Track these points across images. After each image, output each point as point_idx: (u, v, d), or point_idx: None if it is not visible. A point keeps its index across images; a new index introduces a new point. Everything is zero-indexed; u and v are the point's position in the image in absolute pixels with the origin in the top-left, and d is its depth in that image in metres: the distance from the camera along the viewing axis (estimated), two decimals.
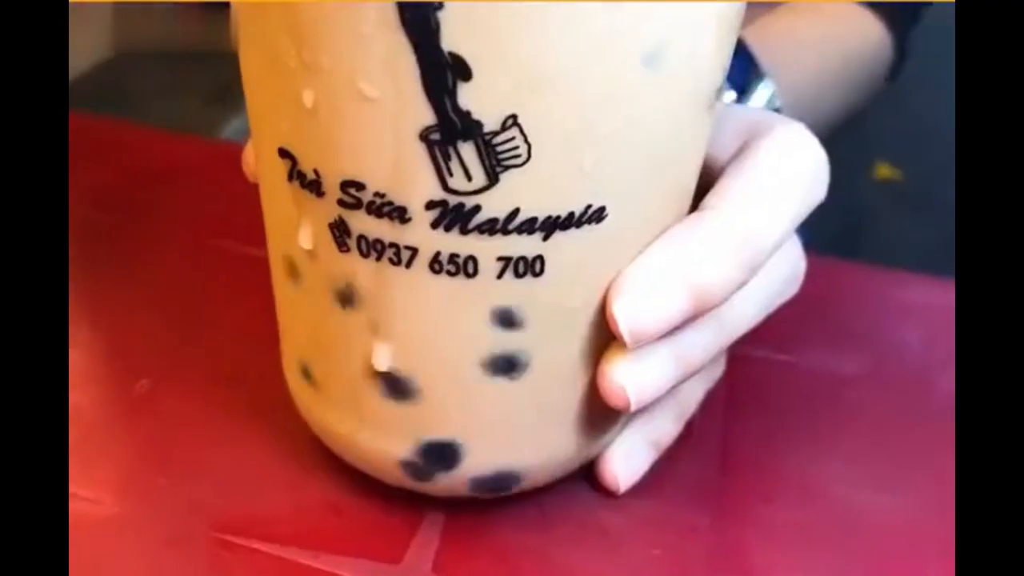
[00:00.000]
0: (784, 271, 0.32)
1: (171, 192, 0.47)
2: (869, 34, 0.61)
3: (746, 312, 0.31)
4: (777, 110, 0.47)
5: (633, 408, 0.28)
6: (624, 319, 0.27)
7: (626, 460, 0.33)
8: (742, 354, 0.38)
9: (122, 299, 0.41)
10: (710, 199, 0.29)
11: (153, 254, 0.43)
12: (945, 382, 0.40)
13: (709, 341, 0.30)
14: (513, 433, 0.29)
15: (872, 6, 0.60)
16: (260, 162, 0.28)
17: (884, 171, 1.71)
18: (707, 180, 0.30)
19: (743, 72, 0.45)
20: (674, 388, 0.30)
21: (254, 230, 0.44)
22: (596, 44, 0.23)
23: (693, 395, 0.35)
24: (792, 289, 0.33)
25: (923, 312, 0.44)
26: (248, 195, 0.46)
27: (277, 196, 0.27)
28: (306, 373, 0.30)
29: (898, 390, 0.39)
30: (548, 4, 0.23)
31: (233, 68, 0.28)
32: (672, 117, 0.26)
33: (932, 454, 0.36)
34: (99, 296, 0.41)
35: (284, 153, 0.26)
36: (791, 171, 0.30)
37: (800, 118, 0.35)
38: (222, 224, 0.44)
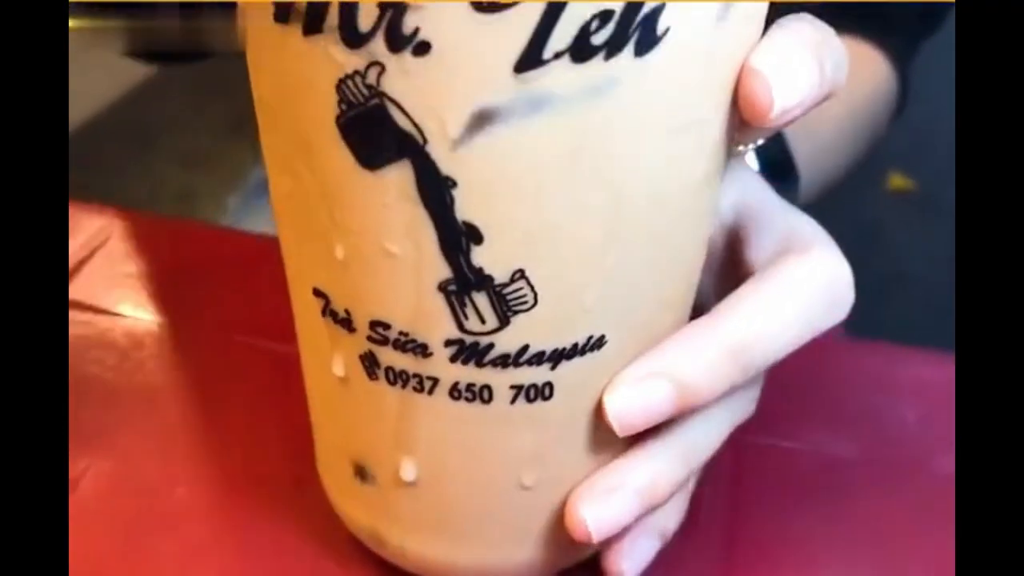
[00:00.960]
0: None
1: (194, 286, 0.49)
2: (878, 74, 0.62)
3: (708, 434, 0.33)
4: (789, 159, 0.48)
5: (595, 541, 0.31)
6: (611, 410, 0.29)
7: (631, 554, 0.34)
8: (744, 441, 0.39)
9: (154, 401, 0.43)
10: (720, 304, 0.31)
11: (181, 354, 0.45)
12: (946, 463, 0.41)
13: (675, 470, 0.32)
14: (529, 536, 0.32)
15: (875, 42, 0.62)
16: (295, 297, 0.31)
17: (897, 181, 1.72)
18: (737, 282, 0.32)
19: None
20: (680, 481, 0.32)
21: (280, 326, 0.46)
22: (592, 204, 0.26)
23: (694, 479, 0.37)
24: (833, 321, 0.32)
25: (920, 388, 0.45)
26: (272, 289, 0.48)
27: (312, 327, 0.30)
28: (362, 473, 0.32)
29: (898, 472, 0.41)
30: (543, 178, 0.25)
31: (251, 97, 0.29)
32: (672, 244, 0.28)
33: (932, 540, 0.38)
34: (130, 400, 0.43)
35: (318, 293, 0.29)
36: (811, 291, 0.31)
37: (817, 170, 0.37)
38: (248, 320, 0.46)
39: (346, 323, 0.28)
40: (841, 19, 0.58)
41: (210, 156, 1.98)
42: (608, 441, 0.31)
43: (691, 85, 0.25)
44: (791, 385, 0.34)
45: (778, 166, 0.47)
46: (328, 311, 0.28)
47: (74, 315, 0.46)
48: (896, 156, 1.68)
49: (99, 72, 1.30)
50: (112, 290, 0.48)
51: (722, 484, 0.39)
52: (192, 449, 0.41)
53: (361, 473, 0.32)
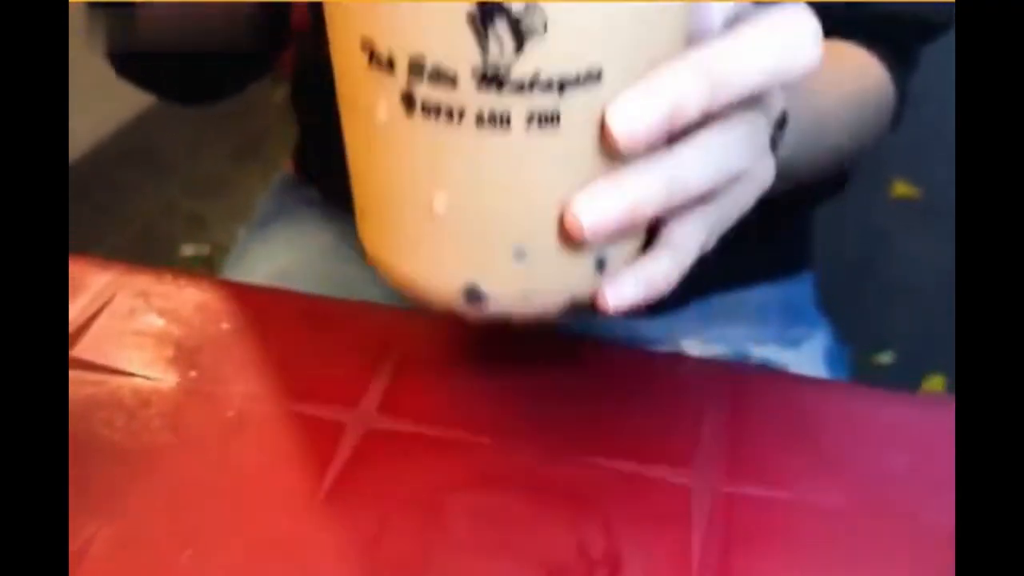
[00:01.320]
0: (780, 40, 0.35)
1: (201, 344, 0.50)
2: (880, 74, 0.64)
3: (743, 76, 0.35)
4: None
5: (587, 236, 0.34)
6: (613, 123, 0.33)
7: (619, 292, 0.37)
8: (737, 494, 0.40)
9: (162, 461, 0.44)
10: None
11: (189, 413, 0.47)
12: (942, 511, 0.42)
13: (659, 189, 0.35)
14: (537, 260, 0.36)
15: (874, 50, 0.63)
16: (342, 58, 0.35)
17: (901, 189, 1.72)
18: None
19: None
20: (664, 230, 0.36)
21: (286, 384, 0.48)
22: None
23: (690, 239, 0.38)
24: (800, 58, 0.36)
25: (912, 434, 0.46)
26: (280, 346, 0.50)
27: (357, 82, 0.34)
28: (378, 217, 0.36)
29: (892, 520, 0.42)
30: None
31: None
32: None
33: None
34: (138, 460, 0.44)
35: (365, 43, 0.33)
36: (776, 27, 0.35)
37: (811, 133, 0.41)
38: (255, 378, 0.48)
39: (389, 65, 0.32)
40: (841, 30, 0.60)
41: (220, 182, 2.01)
42: (610, 170, 0.35)
43: None
44: (782, 432, 0.35)
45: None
46: (374, 58, 0.33)
47: (82, 375, 0.48)
48: (900, 163, 1.68)
49: (110, 95, 1.32)
50: (119, 349, 0.50)
51: (714, 536, 0.40)
52: (200, 510, 0.42)
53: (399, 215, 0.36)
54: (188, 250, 1.85)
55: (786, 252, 0.80)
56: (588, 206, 0.34)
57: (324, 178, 0.82)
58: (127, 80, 0.64)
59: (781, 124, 0.45)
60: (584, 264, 0.36)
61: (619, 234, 0.35)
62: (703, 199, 0.37)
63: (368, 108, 0.34)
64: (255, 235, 0.86)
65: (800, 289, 0.81)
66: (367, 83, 0.33)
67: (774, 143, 0.42)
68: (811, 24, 0.36)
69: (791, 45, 0.35)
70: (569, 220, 0.34)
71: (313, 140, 0.83)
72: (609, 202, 0.34)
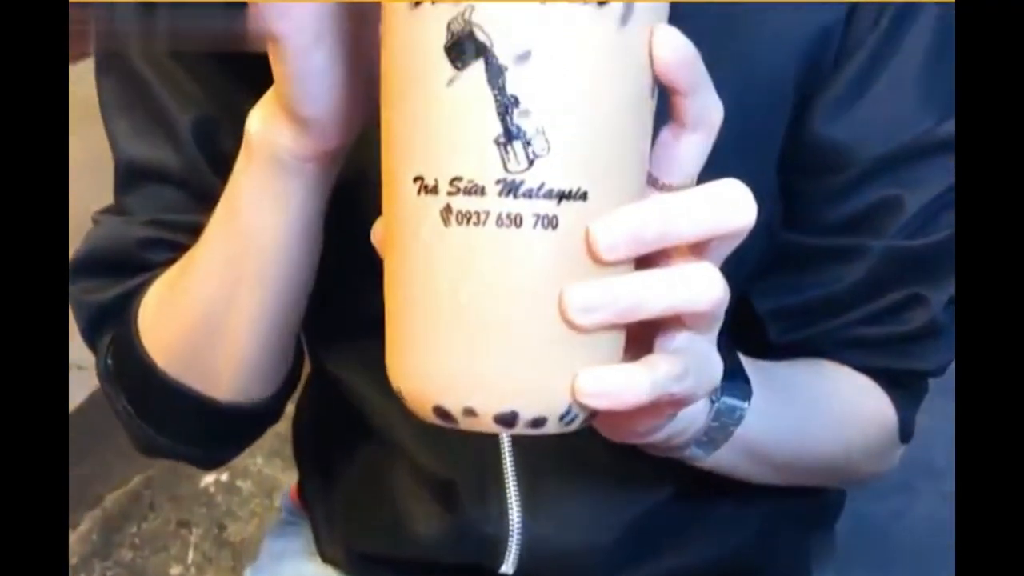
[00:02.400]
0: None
1: None
2: (881, 408, 0.69)
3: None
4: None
5: (578, 318, 0.40)
6: (591, 232, 0.40)
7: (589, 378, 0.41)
8: None
9: None
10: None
11: None
12: None
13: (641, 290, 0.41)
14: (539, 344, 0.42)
15: (883, 387, 0.68)
16: (395, 195, 0.42)
17: None
18: None
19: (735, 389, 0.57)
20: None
21: None
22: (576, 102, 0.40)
23: (665, 362, 0.42)
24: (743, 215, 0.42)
25: None
26: None
27: (405, 210, 0.42)
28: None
29: None
30: (555, 78, 0.40)
31: None
32: (626, 143, 0.42)
33: None
34: None
35: (416, 178, 0.42)
36: (717, 186, 0.42)
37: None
38: None
39: (435, 190, 0.41)
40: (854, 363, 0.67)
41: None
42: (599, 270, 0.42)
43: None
44: None
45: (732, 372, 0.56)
46: (423, 188, 0.41)
47: None
48: None
49: None
50: None
51: None
52: None
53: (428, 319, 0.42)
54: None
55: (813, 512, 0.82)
56: (578, 295, 0.40)
57: (321, 505, 0.83)
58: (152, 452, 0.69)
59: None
60: (576, 358, 0.41)
61: (607, 325, 0.41)
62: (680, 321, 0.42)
63: (414, 229, 0.42)
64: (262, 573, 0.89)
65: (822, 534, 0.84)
66: (416, 209, 0.42)
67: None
68: (745, 189, 0.42)
69: (734, 200, 0.42)
70: (564, 300, 0.40)
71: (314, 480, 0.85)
72: (597, 295, 0.40)
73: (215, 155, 0.65)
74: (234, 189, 0.56)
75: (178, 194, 0.67)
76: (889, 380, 0.69)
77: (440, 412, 0.42)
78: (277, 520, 0.93)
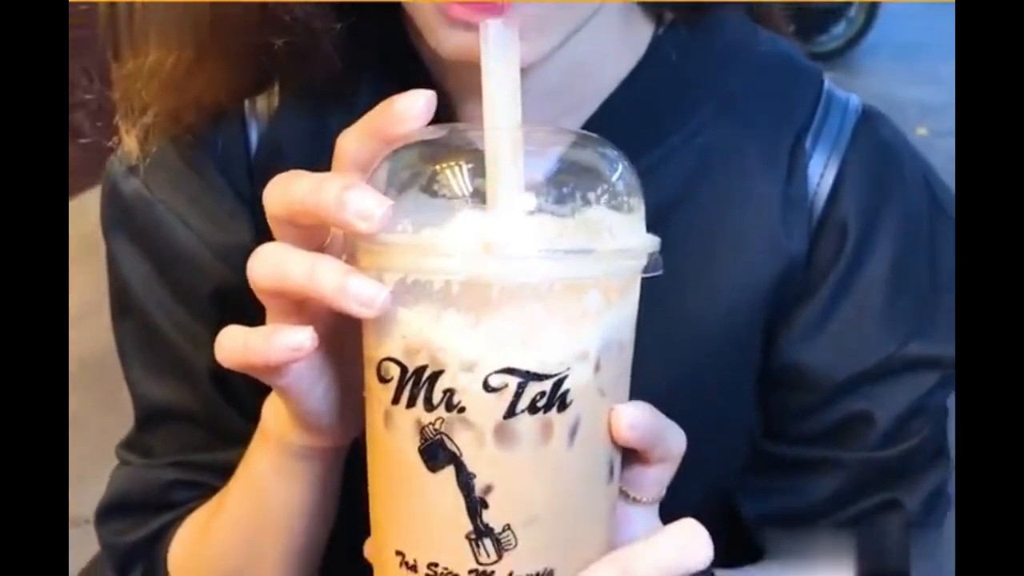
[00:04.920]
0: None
1: None
2: None
3: None
4: None
5: None
6: None
7: None
8: None
9: None
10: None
11: None
12: None
13: None
14: None
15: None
16: (381, 560, 0.48)
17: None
18: None
19: None
20: None
21: None
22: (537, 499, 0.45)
23: None
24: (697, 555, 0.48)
25: None
26: None
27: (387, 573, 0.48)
28: None
29: None
30: (512, 480, 0.45)
31: None
32: (587, 526, 0.47)
33: None
34: None
35: (398, 552, 0.47)
36: (674, 532, 0.48)
37: None
38: None
39: (414, 568, 0.46)
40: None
41: None
42: None
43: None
44: None
45: None
46: (403, 563, 0.47)
47: None
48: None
49: None
50: None
51: None
52: None
53: None
54: None
55: None
56: None
57: None
58: None
59: None
60: None
61: None
62: None
63: None
64: None
65: None
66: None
67: None
68: (702, 531, 0.48)
69: (688, 546, 0.47)
70: None
71: None
72: None
73: (234, 396, 0.68)
74: (251, 465, 0.60)
75: (199, 433, 0.70)
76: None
77: None
78: None
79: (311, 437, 0.54)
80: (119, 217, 0.68)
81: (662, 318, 0.55)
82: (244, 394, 0.63)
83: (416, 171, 0.45)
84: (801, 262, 0.64)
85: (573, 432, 0.45)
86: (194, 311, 0.67)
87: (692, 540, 0.47)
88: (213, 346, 0.50)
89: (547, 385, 0.44)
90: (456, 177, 0.45)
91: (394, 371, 0.44)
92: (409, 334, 0.44)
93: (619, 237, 0.45)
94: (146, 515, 0.70)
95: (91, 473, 0.82)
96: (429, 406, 0.44)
